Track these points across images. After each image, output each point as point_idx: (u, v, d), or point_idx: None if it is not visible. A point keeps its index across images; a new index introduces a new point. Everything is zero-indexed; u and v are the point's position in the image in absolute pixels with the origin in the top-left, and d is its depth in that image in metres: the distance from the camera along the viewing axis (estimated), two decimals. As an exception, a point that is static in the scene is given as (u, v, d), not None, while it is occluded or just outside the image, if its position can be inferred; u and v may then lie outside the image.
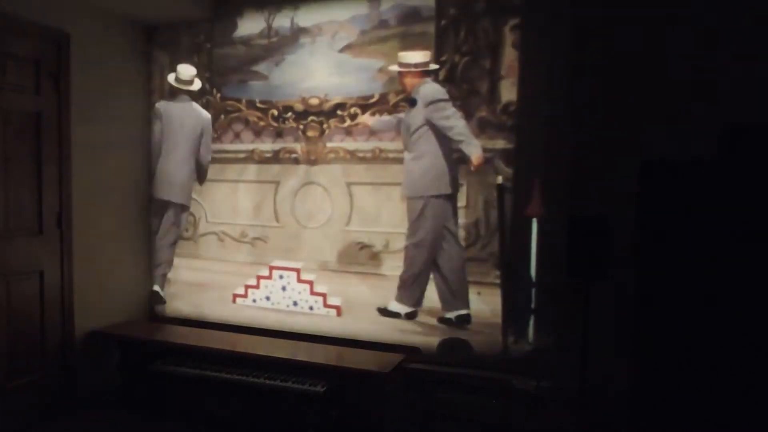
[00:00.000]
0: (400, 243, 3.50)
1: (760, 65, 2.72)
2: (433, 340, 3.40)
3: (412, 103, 3.37)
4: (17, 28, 3.31)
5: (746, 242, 2.39)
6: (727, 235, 2.42)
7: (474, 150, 3.25)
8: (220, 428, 3.44)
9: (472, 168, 3.27)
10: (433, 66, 3.36)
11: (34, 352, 3.45)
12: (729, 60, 2.77)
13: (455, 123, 3.29)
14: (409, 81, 3.41)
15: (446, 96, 3.34)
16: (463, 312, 3.35)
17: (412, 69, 3.37)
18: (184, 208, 4.12)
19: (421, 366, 3.33)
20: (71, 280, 3.64)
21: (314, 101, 3.72)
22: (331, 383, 3.20)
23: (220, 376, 3.39)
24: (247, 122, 3.94)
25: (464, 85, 3.31)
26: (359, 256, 3.63)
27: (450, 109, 3.31)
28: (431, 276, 3.43)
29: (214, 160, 4.05)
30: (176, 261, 4.21)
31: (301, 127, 3.77)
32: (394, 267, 3.53)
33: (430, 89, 3.35)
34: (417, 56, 3.36)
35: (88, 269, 3.74)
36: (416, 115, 3.39)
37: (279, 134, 3.85)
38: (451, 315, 3.38)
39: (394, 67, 3.43)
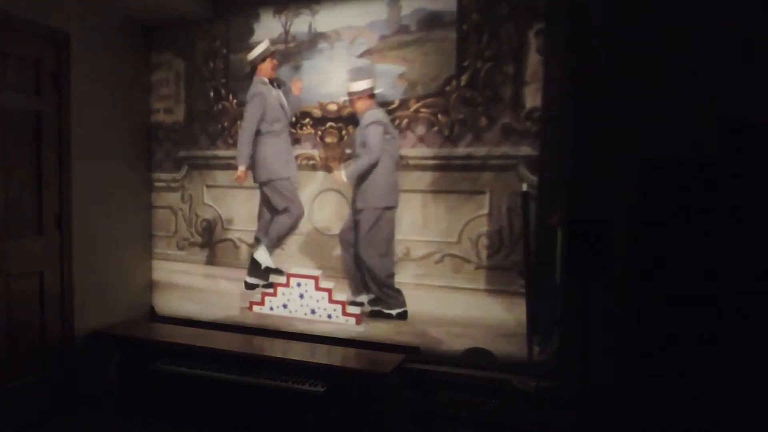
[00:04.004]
0: (420, 250, 3.47)
1: (761, 64, 2.72)
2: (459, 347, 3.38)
3: (357, 124, 3.62)
4: (17, 28, 3.31)
5: (746, 241, 2.40)
6: (727, 234, 2.42)
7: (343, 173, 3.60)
8: (220, 428, 3.44)
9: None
10: (377, 90, 3.54)
11: (34, 352, 3.45)
12: (729, 59, 2.77)
13: (371, 146, 3.52)
14: (359, 105, 3.59)
15: (384, 120, 3.51)
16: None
17: (360, 95, 3.57)
18: None
19: (421, 366, 3.33)
20: (71, 280, 3.64)
21: (332, 107, 3.70)
22: (331, 383, 3.20)
23: (220, 376, 3.38)
24: None
25: (487, 91, 3.27)
26: None
27: (374, 132, 3.51)
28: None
29: (231, 167, 4.00)
30: (190, 267, 4.20)
31: (320, 133, 3.74)
32: (414, 275, 3.49)
33: (372, 113, 3.54)
34: (363, 84, 3.57)
35: (88, 269, 3.74)
36: (361, 135, 3.58)
37: (297, 140, 3.81)
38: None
39: (344, 97, 3.62)
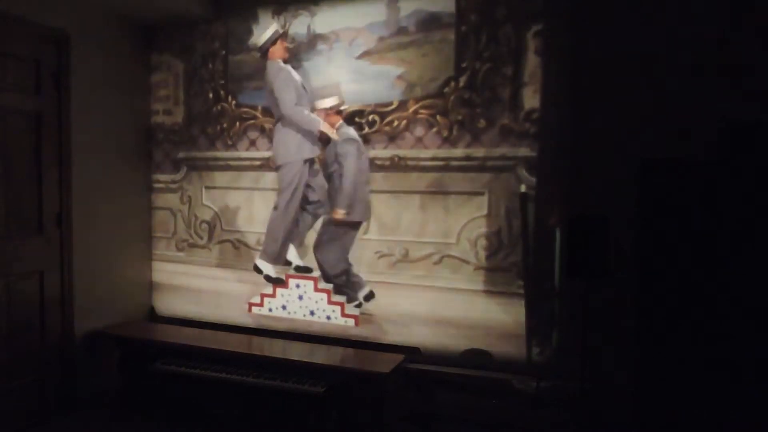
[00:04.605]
0: (419, 251, 3.48)
1: (761, 64, 2.72)
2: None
3: (327, 140, 3.70)
4: (17, 28, 3.31)
5: (746, 241, 2.40)
6: (726, 234, 2.42)
7: (338, 205, 3.62)
8: (220, 428, 3.44)
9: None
10: (343, 107, 3.63)
11: (34, 353, 3.45)
12: (729, 59, 2.78)
13: (347, 168, 3.59)
14: (328, 122, 3.64)
15: (356, 137, 3.58)
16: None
17: (327, 111, 3.64)
18: None
19: (421, 366, 3.33)
20: (71, 280, 3.64)
21: None
22: (331, 383, 3.20)
23: (220, 376, 3.38)
24: (262, 129, 3.90)
25: (486, 92, 3.28)
26: (378, 265, 3.59)
27: (350, 151, 3.58)
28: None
29: (229, 168, 4.03)
30: (190, 269, 4.20)
31: (318, 134, 3.74)
32: (413, 276, 3.50)
33: (345, 131, 3.62)
34: (330, 101, 3.64)
35: (88, 269, 3.75)
36: (332, 150, 3.65)
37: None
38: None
39: (316, 113, 3.69)
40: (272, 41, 3.75)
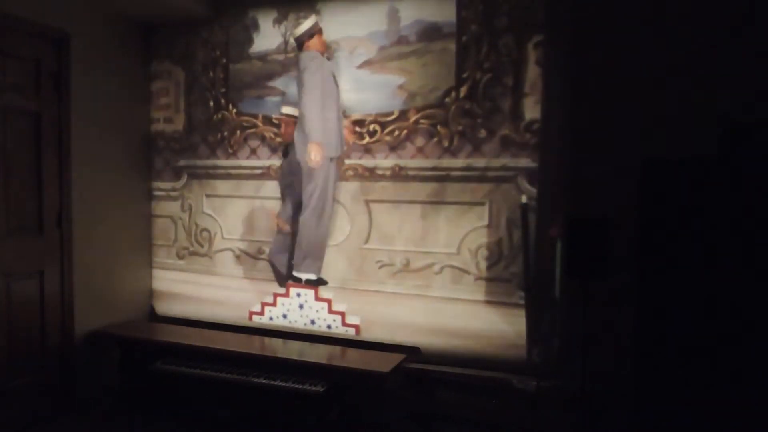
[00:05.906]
0: (420, 261, 3.50)
1: (761, 63, 2.72)
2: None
3: (285, 153, 3.80)
4: (17, 28, 3.31)
5: (746, 241, 2.40)
6: (727, 234, 2.42)
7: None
8: (220, 428, 3.44)
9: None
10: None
11: (34, 352, 3.46)
12: (729, 59, 2.78)
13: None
14: (290, 130, 3.75)
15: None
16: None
17: (291, 118, 3.75)
18: None
19: (421, 366, 3.33)
20: (71, 280, 3.65)
21: None
22: (331, 383, 3.21)
23: (220, 376, 3.39)
24: (263, 138, 3.92)
25: (487, 102, 3.29)
26: (379, 275, 3.60)
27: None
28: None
29: (230, 176, 4.04)
30: (190, 277, 4.21)
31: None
32: (414, 286, 3.51)
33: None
34: (293, 109, 3.74)
35: (88, 269, 3.75)
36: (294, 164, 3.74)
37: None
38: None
39: (276, 115, 3.84)
40: (310, 34, 3.68)
